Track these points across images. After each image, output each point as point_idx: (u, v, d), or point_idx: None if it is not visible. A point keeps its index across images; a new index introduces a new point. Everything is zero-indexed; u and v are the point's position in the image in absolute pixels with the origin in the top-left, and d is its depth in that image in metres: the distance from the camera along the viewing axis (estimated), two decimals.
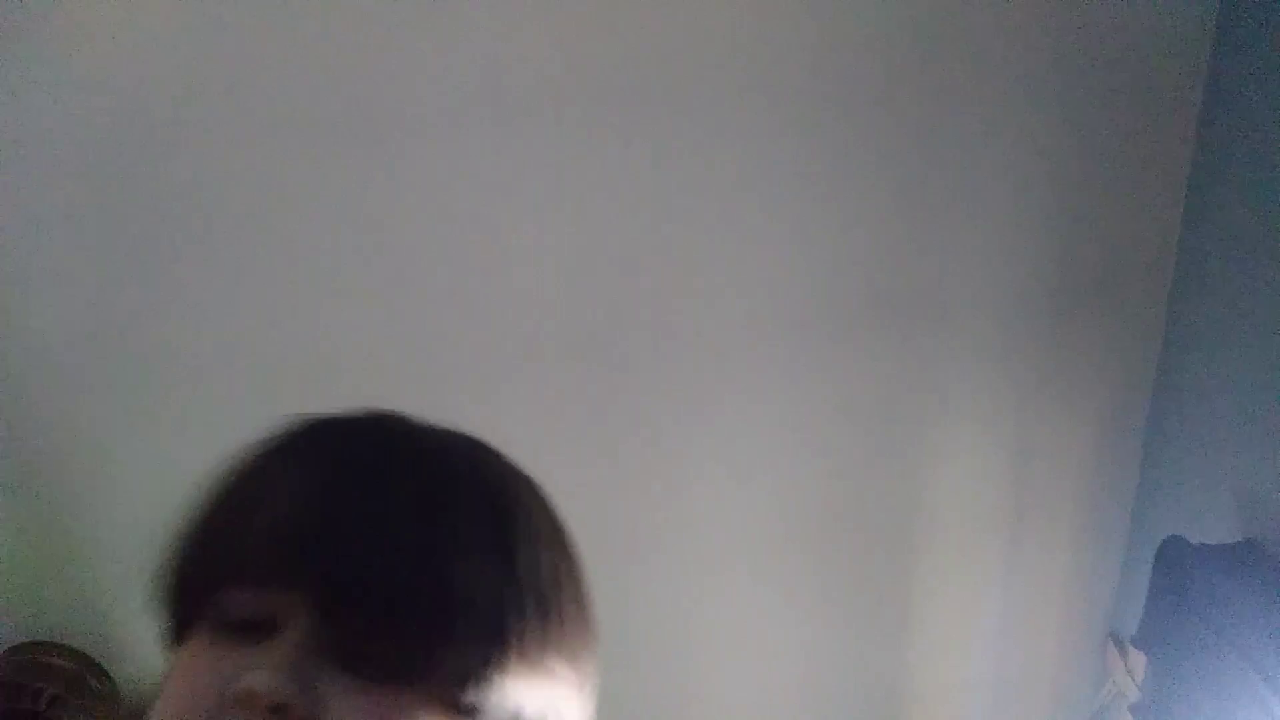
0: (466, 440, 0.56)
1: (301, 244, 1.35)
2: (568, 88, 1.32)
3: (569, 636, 0.55)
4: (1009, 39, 1.37)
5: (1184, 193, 1.46)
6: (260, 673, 0.45)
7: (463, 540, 0.51)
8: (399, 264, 1.38)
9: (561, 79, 1.31)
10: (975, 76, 1.38)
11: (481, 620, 0.50)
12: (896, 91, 1.38)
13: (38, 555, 1.45)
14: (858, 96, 1.37)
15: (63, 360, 1.37)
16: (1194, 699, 1.26)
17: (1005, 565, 1.68)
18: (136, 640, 1.51)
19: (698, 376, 1.49)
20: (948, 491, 1.61)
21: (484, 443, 0.57)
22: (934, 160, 1.42)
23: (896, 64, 1.37)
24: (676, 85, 1.34)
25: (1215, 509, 1.38)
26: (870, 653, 1.72)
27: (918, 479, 1.60)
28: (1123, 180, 1.46)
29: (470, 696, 0.49)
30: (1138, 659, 1.47)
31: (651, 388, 1.48)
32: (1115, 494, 1.62)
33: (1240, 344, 1.36)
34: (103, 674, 1.46)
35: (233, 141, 1.28)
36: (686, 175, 1.39)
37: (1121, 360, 1.55)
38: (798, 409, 1.53)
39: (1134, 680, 1.53)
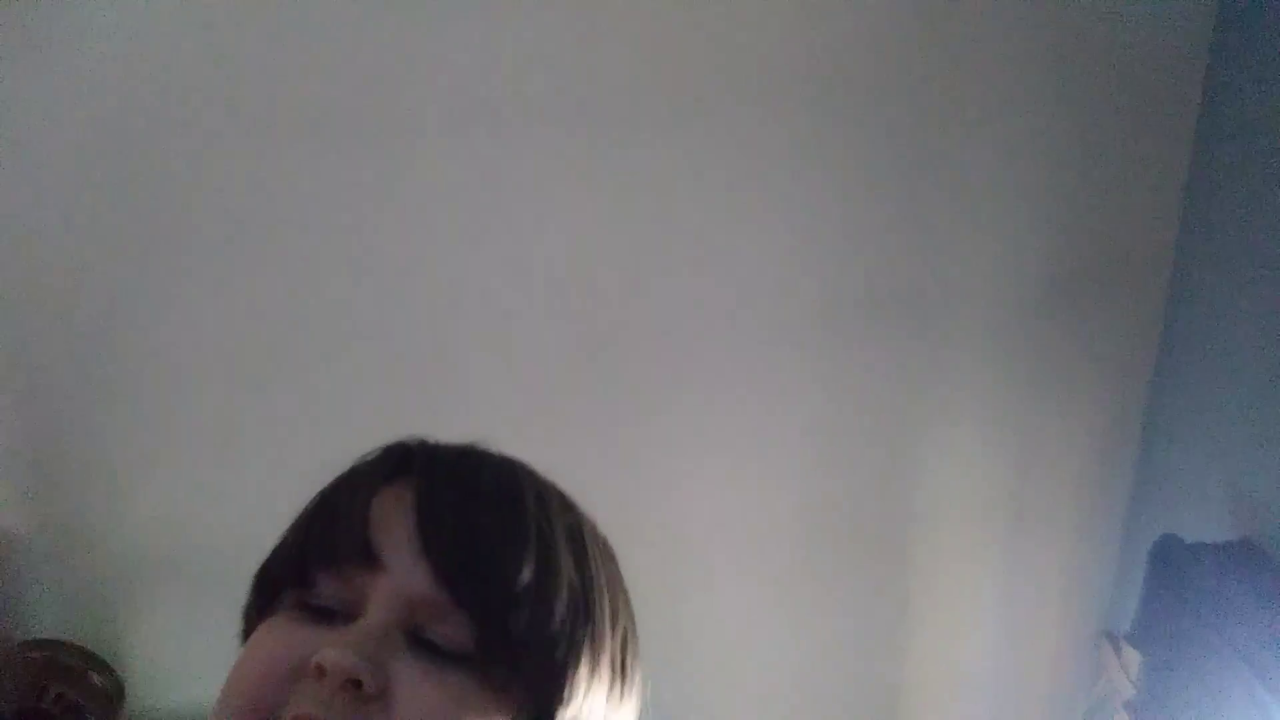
0: (527, 466, 0.60)
1: (303, 245, 1.35)
2: (567, 89, 1.32)
3: (632, 660, 0.59)
4: (1006, 39, 1.37)
5: (1182, 191, 1.47)
6: (338, 648, 0.47)
7: (550, 554, 0.54)
8: (400, 264, 1.38)
9: (561, 81, 1.32)
10: (972, 76, 1.39)
11: (564, 633, 0.53)
12: (894, 92, 1.38)
13: (45, 554, 1.46)
14: (856, 98, 1.38)
15: (71, 362, 1.37)
16: (1188, 696, 1.26)
17: (1001, 562, 1.68)
18: (141, 637, 1.51)
19: (696, 375, 1.49)
20: (944, 489, 1.61)
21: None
22: (931, 159, 1.42)
23: (893, 64, 1.37)
24: (676, 87, 1.34)
25: (1211, 508, 1.38)
26: (866, 650, 1.73)
27: (914, 477, 1.60)
28: (1120, 179, 1.47)
29: (544, 703, 0.52)
30: (1132, 656, 1.48)
31: (651, 386, 1.49)
32: (1111, 492, 1.63)
33: (1237, 343, 1.36)
34: (108, 670, 1.47)
35: (234, 143, 1.28)
36: (685, 175, 1.39)
37: (1118, 359, 1.56)
38: (794, 408, 1.54)
39: (1128, 677, 1.54)
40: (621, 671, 0.58)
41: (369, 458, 0.59)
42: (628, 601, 0.61)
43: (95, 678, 1.43)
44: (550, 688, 0.53)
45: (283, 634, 0.51)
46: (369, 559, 0.52)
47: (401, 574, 0.51)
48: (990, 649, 1.74)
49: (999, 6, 1.36)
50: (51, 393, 1.39)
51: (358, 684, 0.47)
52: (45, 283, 1.34)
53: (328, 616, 0.52)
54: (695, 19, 1.32)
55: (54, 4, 1.19)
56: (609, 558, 0.61)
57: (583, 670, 0.54)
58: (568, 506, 0.60)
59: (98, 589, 1.48)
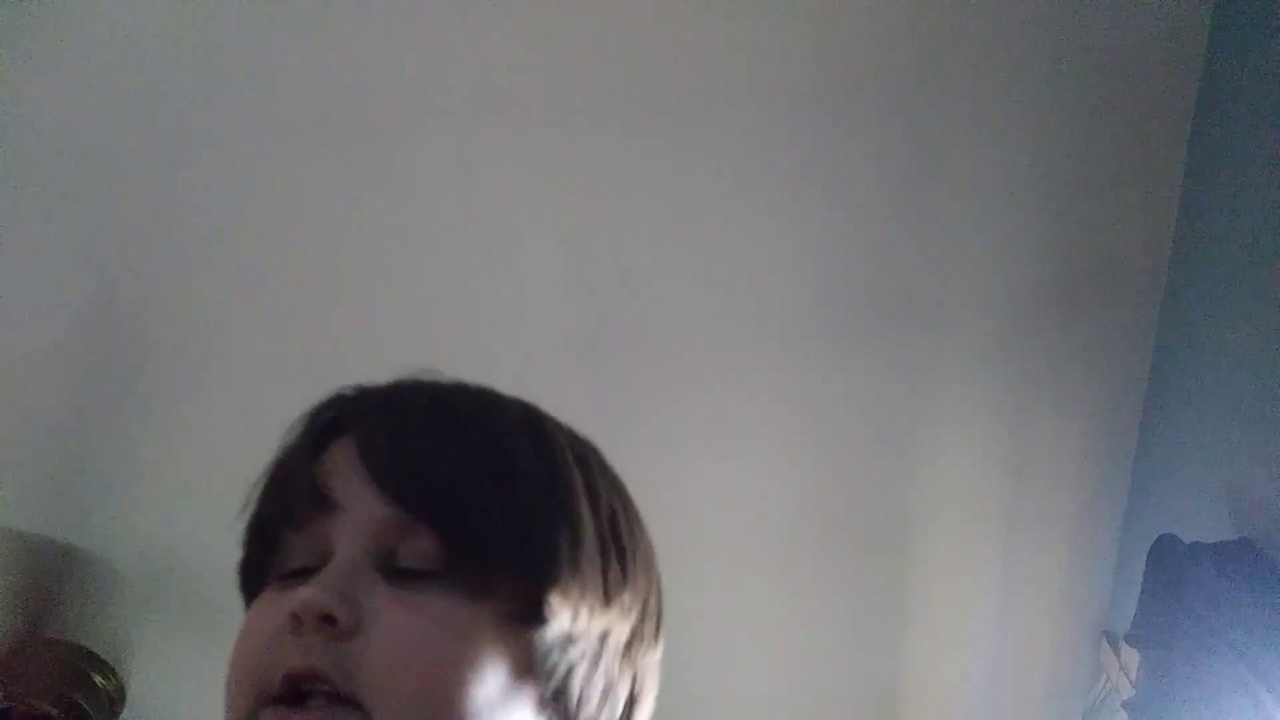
0: (475, 384, 0.61)
1: (303, 245, 1.35)
2: (567, 90, 1.33)
3: (629, 538, 0.58)
4: (1004, 41, 1.38)
5: (1178, 192, 1.47)
6: (308, 589, 0.48)
7: (500, 447, 0.54)
8: (401, 264, 1.38)
9: (560, 81, 1.32)
10: (971, 78, 1.39)
11: (531, 519, 0.52)
12: (893, 93, 1.39)
13: (46, 555, 1.46)
14: (854, 99, 1.38)
15: (71, 363, 1.37)
16: (1187, 696, 1.26)
17: (1000, 563, 1.69)
18: (143, 640, 1.51)
19: (693, 377, 1.49)
20: (943, 491, 1.62)
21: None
22: (929, 162, 1.43)
23: (892, 66, 1.37)
24: (675, 86, 1.35)
25: (1208, 508, 1.39)
26: (866, 651, 1.73)
27: (913, 478, 1.61)
28: (1117, 181, 1.47)
29: (526, 594, 0.51)
30: (1131, 656, 1.48)
31: (647, 387, 1.49)
32: (1109, 492, 1.63)
33: (1233, 343, 1.37)
34: (109, 670, 1.47)
35: (236, 143, 1.29)
36: (683, 176, 1.39)
37: (1115, 360, 1.56)
38: (793, 409, 1.54)
39: (1128, 677, 1.54)
40: (617, 551, 0.56)
41: (299, 427, 0.58)
42: (615, 483, 0.60)
43: (97, 679, 1.43)
44: (528, 577, 0.51)
45: (265, 605, 0.52)
46: (324, 504, 0.52)
47: (356, 506, 0.52)
48: (989, 649, 1.75)
49: (997, 9, 1.36)
50: (57, 398, 1.39)
51: (332, 621, 0.47)
52: (49, 287, 1.34)
53: (305, 576, 0.51)
54: (696, 20, 1.32)
55: (54, 4, 1.20)
56: (583, 445, 0.60)
57: (562, 554, 0.52)
58: (523, 405, 0.59)
59: (101, 592, 1.48)
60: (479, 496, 0.51)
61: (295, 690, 0.47)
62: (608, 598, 0.54)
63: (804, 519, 1.60)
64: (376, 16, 1.26)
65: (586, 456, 0.59)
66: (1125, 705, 1.47)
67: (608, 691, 0.55)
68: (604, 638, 0.54)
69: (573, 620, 0.52)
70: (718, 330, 1.48)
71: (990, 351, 1.54)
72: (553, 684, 0.52)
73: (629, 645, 0.57)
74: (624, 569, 0.56)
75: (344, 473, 0.53)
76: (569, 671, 0.52)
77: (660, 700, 0.62)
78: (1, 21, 1.20)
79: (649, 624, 0.59)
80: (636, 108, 1.35)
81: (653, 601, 0.60)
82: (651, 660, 0.60)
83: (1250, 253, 1.33)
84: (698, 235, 1.43)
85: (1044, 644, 1.76)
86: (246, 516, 0.57)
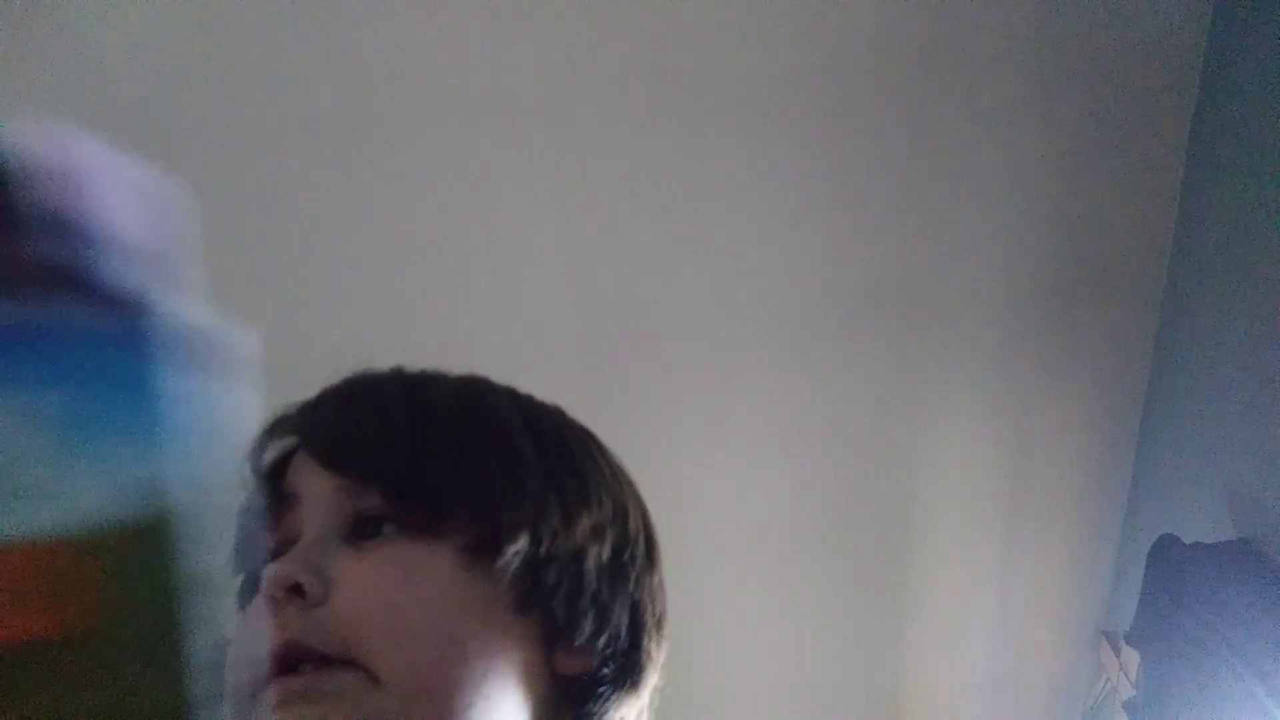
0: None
1: (304, 245, 1.36)
2: (569, 90, 1.33)
3: (587, 460, 0.58)
4: (1005, 40, 1.38)
5: (1178, 192, 1.47)
6: (272, 566, 0.50)
7: (421, 402, 0.56)
8: (398, 265, 1.39)
9: (563, 81, 1.32)
10: (972, 77, 1.39)
11: (458, 454, 0.53)
12: (894, 93, 1.39)
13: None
14: (856, 99, 1.38)
15: None
16: (1187, 695, 1.27)
17: (1001, 562, 1.69)
18: None
19: (695, 375, 1.50)
20: (943, 489, 1.62)
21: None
22: (931, 161, 1.43)
23: (894, 66, 1.37)
24: (675, 86, 1.35)
25: (1208, 508, 1.39)
26: (866, 649, 1.73)
27: (914, 477, 1.61)
28: (1118, 180, 1.47)
29: (478, 522, 0.52)
30: (1131, 656, 1.48)
31: (648, 386, 1.49)
32: (1109, 492, 1.64)
33: (1233, 344, 1.37)
34: None
35: (238, 144, 1.29)
36: (683, 175, 1.40)
37: (1116, 360, 1.56)
38: (794, 407, 1.54)
39: (1128, 677, 1.54)
40: (572, 474, 0.57)
41: (254, 455, 0.59)
42: (574, 427, 0.61)
43: None
44: (473, 509, 0.52)
45: (255, 602, 0.53)
46: (289, 499, 0.54)
47: (313, 490, 0.54)
48: (989, 649, 1.75)
49: (997, 9, 1.36)
50: None
51: (301, 591, 0.49)
52: None
53: None
54: (696, 19, 1.32)
55: (54, 4, 1.20)
56: (534, 401, 0.60)
57: (501, 482, 0.53)
58: (468, 375, 0.60)
59: None
60: (406, 441, 0.53)
61: (286, 666, 0.48)
62: (568, 519, 0.55)
63: (804, 518, 1.61)
64: (379, 17, 1.26)
65: (536, 406, 0.60)
66: (1125, 705, 1.47)
67: (602, 616, 0.55)
68: (579, 558, 0.55)
69: (533, 544, 0.53)
70: (718, 329, 1.48)
71: (991, 352, 1.54)
72: (535, 611, 0.53)
73: (616, 569, 0.57)
74: (584, 491, 0.57)
75: (299, 470, 0.55)
76: (548, 596, 0.53)
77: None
78: (5, 27, 1.20)
79: (635, 547, 0.59)
80: (637, 108, 1.35)
81: (634, 524, 0.60)
82: (650, 586, 0.60)
83: (1250, 253, 1.33)
84: (698, 235, 1.43)
85: (1044, 643, 1.76)
86: (232, 544, 0.59)
